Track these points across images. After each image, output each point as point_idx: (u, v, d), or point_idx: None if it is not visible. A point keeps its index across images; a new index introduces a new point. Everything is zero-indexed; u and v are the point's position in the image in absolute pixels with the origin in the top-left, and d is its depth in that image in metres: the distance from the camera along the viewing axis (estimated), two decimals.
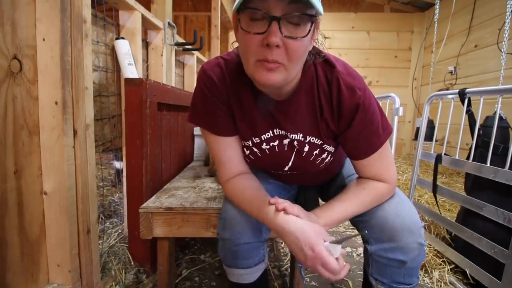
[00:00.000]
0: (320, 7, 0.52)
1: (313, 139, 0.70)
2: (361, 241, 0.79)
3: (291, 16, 0.51)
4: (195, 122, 0.75)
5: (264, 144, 0.73)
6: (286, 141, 0.72)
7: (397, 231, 0.66)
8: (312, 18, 0.53)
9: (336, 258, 0.59)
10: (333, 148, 0.73)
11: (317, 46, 0.67)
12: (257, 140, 0.73)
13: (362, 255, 1.44)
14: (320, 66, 0.66)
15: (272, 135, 0.72)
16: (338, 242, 0.61)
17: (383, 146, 0.68)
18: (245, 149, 0.75)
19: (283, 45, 0.53)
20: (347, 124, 0.66)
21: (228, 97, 0.70)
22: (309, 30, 0.54)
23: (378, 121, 0.66)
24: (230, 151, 0.74)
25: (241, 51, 0.59)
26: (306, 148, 0.71)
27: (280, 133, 0.71)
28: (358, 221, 0.74)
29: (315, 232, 0.61)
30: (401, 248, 0.66)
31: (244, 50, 0.57)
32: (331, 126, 0.68)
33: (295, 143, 0.71)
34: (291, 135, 0.70)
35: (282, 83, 0.58)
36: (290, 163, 0.75)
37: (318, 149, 0.72)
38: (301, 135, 0.70)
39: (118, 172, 1.97)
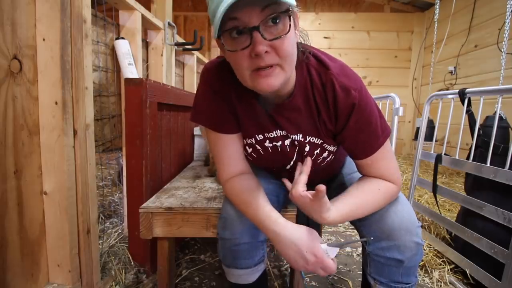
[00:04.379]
0: (291, 0, 0.53)
1: (313, 139, 0.71)
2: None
3: (268, 19, 0.52)
4: (198, 121, 0.75)
5: (267, 141, 0.73)
6: (287, 141, 0.72)
7: (394, 229, 0.67)
8: (288, 13, 0.54)
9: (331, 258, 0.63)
10: (334, 148, 0.74)
11: (303, 42, 0.67)
12: (260, 137, 0.73)
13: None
14: (313, 67, 0.66)
15: (275, 135, 0.72)
16: (337, 245, 0.63)
17: (384, 146, 0.68)
18: (247, 147, 0.76)
19: (271, 49, 0.54)
20: (343, 124, 0.66)
21: (231, 95, 0.70)
22: (290, 25, 0.54)
23: (377, 121, 0.66)
24: (231, 149, 0.75)
25: (235, 69, 0.60)
26: (307, 148, 0.72)
27: (282, 133, 0.72)
28: (356, 219, 0.74)
29: (312, 237, 0.63)
30: (398, 246, 0.66)
31: (237, 67, 0.58)
32: (329, 126, 0.69)
33: (296, 143, 0.72)
34: (292, 136, 0.71)
35: (283, 83, 0.58)
36: (292, 162, 0.76)
37: (319, 149, 0.72)
38: (301, 135, 0.70)
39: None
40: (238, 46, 0.54)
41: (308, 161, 0.70)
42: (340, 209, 0.65)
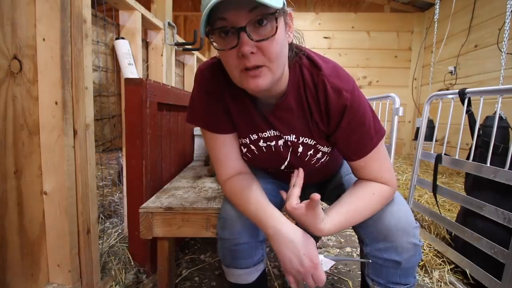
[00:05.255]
0: (278, 3, 0.53)
1: (306, 140, 0.71)
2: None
3: (255, 21, 0.53)
4: (194, 122, 0.76)
5: (262, 141, 0.73)
6: (281, 142, 0.73)
7: (391, 230, 0.66)
8: (275, 15, 0.54)
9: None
10: (328, 149, 0.73)
11: (298, 43, 0.67)
12: (254, 137, 0.73)
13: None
14: (306, 68, 0.66)
15: (269, 135, 0.72)
16: (332, 259, 0.64)
17: (377, 147, 0.67)
18: (242, 147, 0.76)
19: (258, 50, 0.55)
20: (336, 125, 0.66)
21: (225, 95, 0.71)
22: (276, 27, 0.55)
23: (370, 123, 0.66)
24: (227, 148, 0.75)
25: (226, 68, 0.61)
26: (300, 149, 0.72)
27: (275, 133, 0.72)
28: None
29: (311, 243, 0.63)
30: (395, 248, 0.66)
31: (227, 65, 0.59)
32: (321, 127, 0.69)
33: (289, 143, 0.72)
34: (285, 136, 0.71)
35: (270, 84, 0.59)
36: (286, 162, 0.76)
37: (312, 150, 0.72)
38: (294, 136, 0.71)
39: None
40: (226, 45, 0.55)
41: (301, 172, 0.70)
42: (335, 219, 0.65)
